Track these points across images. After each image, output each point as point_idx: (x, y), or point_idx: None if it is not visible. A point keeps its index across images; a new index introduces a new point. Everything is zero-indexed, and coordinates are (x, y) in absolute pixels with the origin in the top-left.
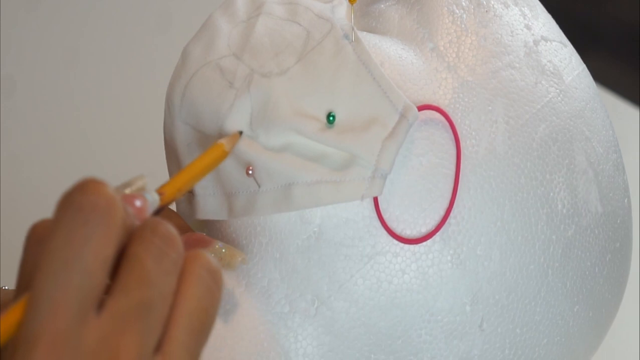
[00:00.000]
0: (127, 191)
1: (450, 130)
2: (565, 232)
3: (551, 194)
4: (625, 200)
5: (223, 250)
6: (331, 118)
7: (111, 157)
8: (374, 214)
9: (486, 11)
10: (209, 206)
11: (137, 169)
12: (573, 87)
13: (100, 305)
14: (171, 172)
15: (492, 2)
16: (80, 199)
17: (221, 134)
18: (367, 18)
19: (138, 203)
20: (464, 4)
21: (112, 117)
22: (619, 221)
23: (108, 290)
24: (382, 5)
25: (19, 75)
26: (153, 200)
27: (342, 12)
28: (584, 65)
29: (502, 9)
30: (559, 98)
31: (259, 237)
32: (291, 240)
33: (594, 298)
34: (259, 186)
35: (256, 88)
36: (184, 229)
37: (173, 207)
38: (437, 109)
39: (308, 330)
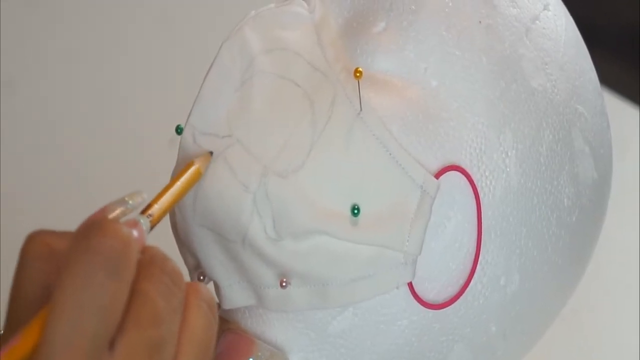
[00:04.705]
0: (128, 206)
1: (465, 178)
2: (570, 220)
3: (559, 197)
4: (606, 129)
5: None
6: (356, 211)
7: (111, 157)
8: (406, 288)
9: (479, 22)
10: (235, 294)
11: (137, 169)
12: (565, 62)
13: (112, 341)
14: (186, 261)
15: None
16: (98, 242)
17: (245, 241)
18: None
19: (136, 234)
20: (457, 24)
21: (112, 117)
22: (606, 162)
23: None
24: (374, 29)
25: (19, 75)
26: (146, 225)
27: (320, 15)
28: (564, 17)
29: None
30: (555, 90)
31: (294, 322)
32: (327, 324)
33: (593, 245)
34: (292, 285)
35: (274, 191)
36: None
37: None
38: (455, 169)
39: None
